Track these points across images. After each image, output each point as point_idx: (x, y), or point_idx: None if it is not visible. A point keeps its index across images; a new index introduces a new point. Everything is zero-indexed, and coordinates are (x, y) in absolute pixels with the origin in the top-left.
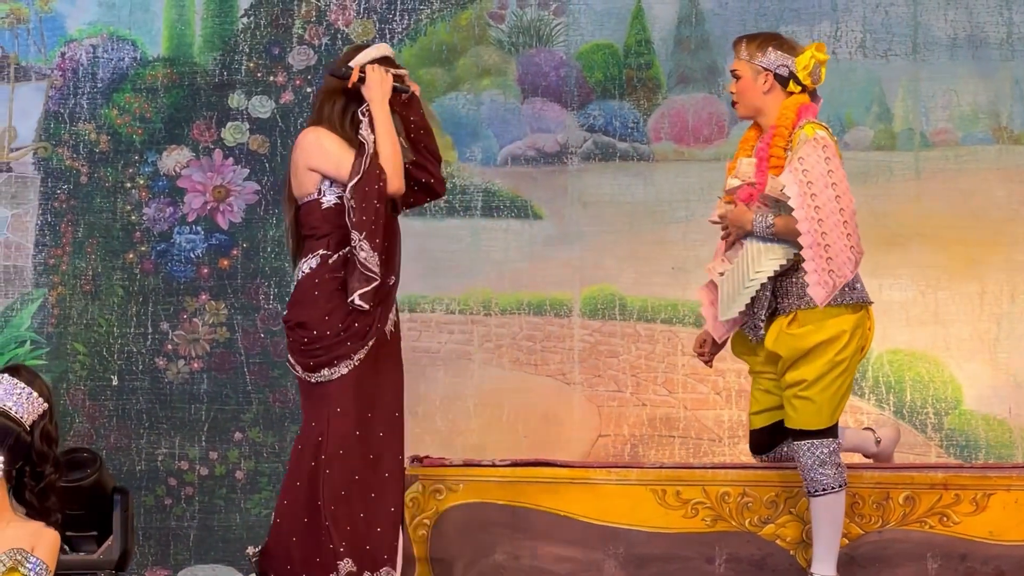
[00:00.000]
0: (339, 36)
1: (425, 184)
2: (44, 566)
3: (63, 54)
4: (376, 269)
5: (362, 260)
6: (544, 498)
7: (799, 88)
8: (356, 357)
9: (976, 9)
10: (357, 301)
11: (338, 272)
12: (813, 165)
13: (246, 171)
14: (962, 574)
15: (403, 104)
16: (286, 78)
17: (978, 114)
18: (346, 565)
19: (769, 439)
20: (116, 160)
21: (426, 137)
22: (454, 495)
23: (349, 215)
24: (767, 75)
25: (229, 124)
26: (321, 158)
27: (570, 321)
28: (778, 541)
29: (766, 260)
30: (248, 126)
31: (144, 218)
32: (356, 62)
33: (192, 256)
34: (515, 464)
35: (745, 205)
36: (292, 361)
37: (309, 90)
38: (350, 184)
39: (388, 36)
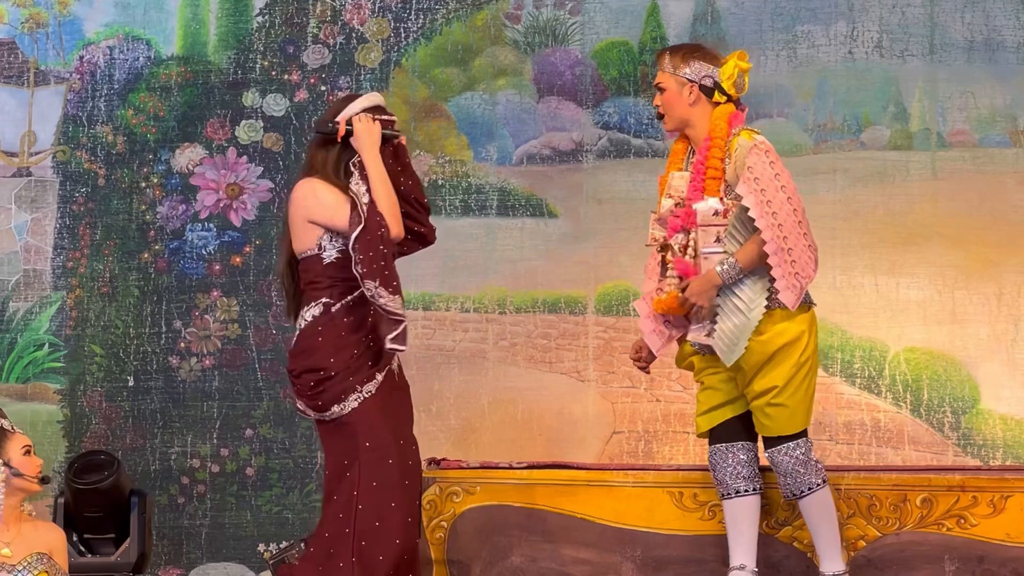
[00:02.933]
0: (354, 35)
1: (417, 232)
2: (64, 574)
3: (81, 57)
4: (400, 311)
5: (383, 306)
6: (561, 500)
7: (724, 98)
8: (366, 389)
9: (993, 12)
10: (391, 346)
11: (342, 318)
12: (762, 172)
13: (260, 169)
14: None
15: (391, 154)
16: (300, 76)
17: (995, 117)
18: None
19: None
20: (132, 161)
21: (414, 187)
22: (471, 497)
23: (357, 267)
24: (692, 87)
25: (243, 122)
26: (317, 209)
27: (584, 318)
28: (795, 543)
29: (753, 295)
30: (262, 124)
31: (158, 216)
32: (344, 115)
33: (204, 253)
34: (532, 466)
35: (695, 266)
36: (302, 407)
37: (323, 88)
38: (353, 236)
39: (403, 35)
